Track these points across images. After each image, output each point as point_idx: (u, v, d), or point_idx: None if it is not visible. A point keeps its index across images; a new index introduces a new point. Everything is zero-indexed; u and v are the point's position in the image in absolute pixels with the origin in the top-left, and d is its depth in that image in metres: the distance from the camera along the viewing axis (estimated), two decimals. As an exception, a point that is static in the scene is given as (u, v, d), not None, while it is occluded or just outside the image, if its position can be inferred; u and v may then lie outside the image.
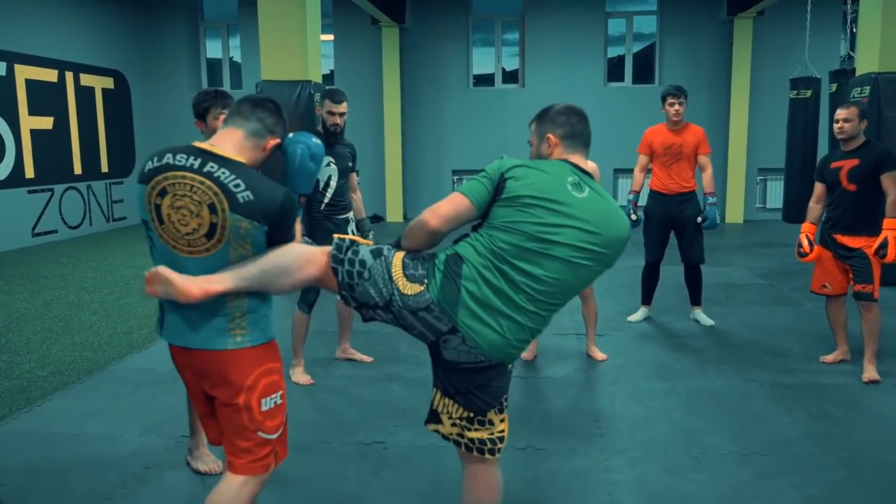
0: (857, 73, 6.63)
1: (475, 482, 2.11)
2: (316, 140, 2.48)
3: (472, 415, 2.02)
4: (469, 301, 1.88)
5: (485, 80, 12.56)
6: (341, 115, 4.00)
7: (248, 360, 1.94)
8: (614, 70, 12.27)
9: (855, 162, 3.96)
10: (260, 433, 1.97)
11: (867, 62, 6.44)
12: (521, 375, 4.23)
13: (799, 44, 9.31)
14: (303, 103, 6.41)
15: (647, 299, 5.45)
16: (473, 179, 2.02)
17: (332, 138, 4.03)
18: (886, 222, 3.87)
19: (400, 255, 1.98)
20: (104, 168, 11.30)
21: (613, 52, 12.30)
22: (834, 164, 4.09)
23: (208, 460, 3.09)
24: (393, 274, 1.92)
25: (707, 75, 11.72)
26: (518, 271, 1.89)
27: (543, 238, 1.89)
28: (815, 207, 4.27)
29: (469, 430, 2.04)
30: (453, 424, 2.05)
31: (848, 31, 8.84)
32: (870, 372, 4.03)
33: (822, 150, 7.99)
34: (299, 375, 4.16)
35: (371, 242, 2.06)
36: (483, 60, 12.57)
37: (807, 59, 8.68)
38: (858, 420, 3.55)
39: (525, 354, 4.52)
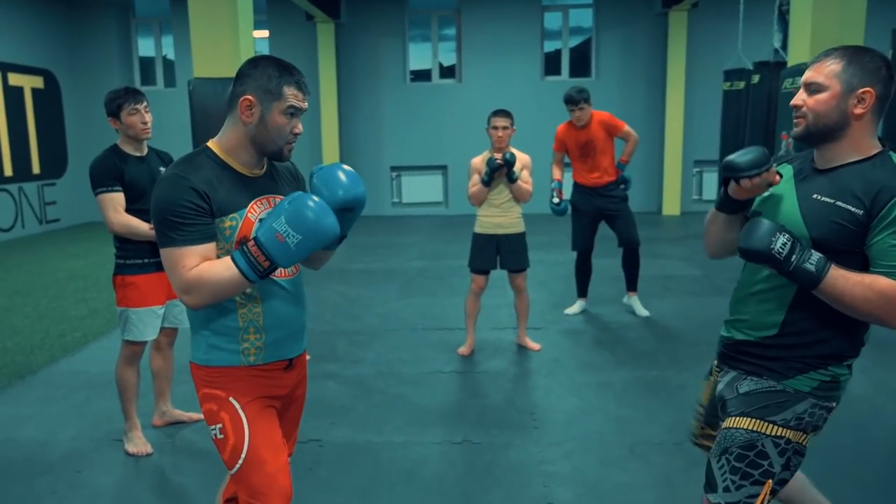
0: (790, 64, 6.74)
1: None
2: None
3: None
4: None
5: (422, 76, 12.52)
6: None
7: (195, 375, 1.86)
8: (551, 64, 12.39)
9: None
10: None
11: (799, 53, 6.54)
12: (457, 370, 4.24)
13: (733, 35, 9.51)
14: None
15: (582, 292, 5.51)
16: None
17: None
18: None
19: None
20: (35, 169, 10.89)
21: (550, 46, 12.42)
22: None
23: (139, 442, 3.22)
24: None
25: (643, 68, 11.94)
26: None
27: None
28: None
29: None
30: None
31: (779, 22, 9.03)
32: None
33: (754, 141, 8.17)
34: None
35: None
36: (420, 56, 12.53)
37: (740, 51, 8.86)
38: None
39: (462, 349, 4.53)
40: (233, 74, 6.30)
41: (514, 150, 4.27)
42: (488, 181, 4.24)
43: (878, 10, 9.28)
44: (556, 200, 5.06)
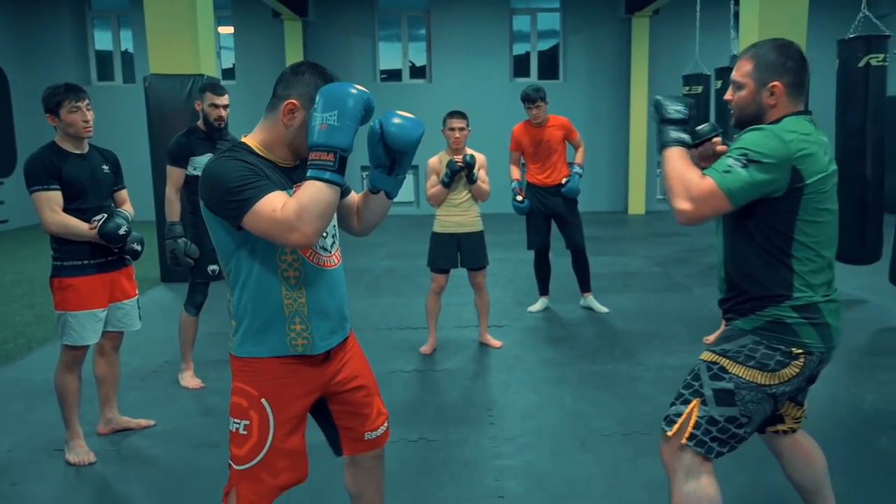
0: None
1: (802, 449, 2.16)
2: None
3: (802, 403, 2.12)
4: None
5: (392, 76, 12.50)
6: (225, 107, 3.85)
7: (232, 366, 1.88)
8: (521, 66, 12.46)
9: None
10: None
11: (746, 60, 6.76)
12: (417, 369, 4.23)
13: (692, 41, 9.70)
14: (195, 99, 6.16)
15: (543, 289, 5.54)
16: None
17: (216, 134, 3.88)
18: None
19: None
20: (-20, 168, 10.50)
21: (520, 48, 12.49)
22: None
23: (80, 451, 3.09)
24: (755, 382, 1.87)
25: (609, 71, 12.08)
26: None
27: None
28: None
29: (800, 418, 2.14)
30: (795, 419, 2.12)
31: (736, 29, 9.20)
32: None
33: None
34: (188, 379, 4.02)
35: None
36: (390, 55, 12.51)
37: (697, 57, 9.06)
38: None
39: (424, 348, 4.53)
40: (192, 71, 6.25)
41: (470, 151, 4.29)
42: (448, 182, 4.25)
43: (823, 22, 9.57)
44: (518, 199, 5.11)
